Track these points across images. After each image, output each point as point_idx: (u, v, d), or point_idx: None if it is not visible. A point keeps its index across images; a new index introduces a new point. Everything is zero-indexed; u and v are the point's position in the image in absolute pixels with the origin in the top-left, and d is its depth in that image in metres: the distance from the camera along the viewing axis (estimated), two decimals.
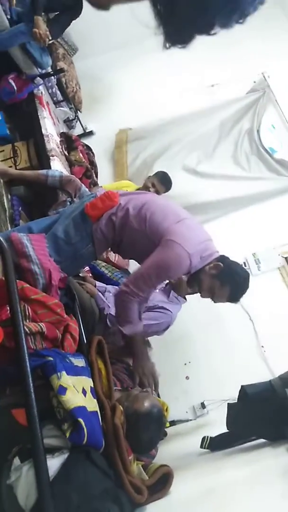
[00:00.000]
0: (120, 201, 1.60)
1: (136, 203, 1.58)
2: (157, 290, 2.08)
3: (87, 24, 2.88)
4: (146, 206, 1.56)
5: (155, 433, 1.27)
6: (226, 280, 1.57)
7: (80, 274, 2.13)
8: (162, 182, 2.80)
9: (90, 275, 2.31)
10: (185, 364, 2.76)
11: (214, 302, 1.67)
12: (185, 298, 2.43)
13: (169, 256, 1.48)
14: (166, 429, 1.78)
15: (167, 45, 0.40)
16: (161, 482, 1.24)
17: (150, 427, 1.24)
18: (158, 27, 0.39)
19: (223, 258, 1.60)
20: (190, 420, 2.58)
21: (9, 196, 2.48)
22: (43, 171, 2.38)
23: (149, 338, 2.47)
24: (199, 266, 1.54)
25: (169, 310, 2.19)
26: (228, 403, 1.62)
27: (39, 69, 2.76)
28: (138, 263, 1.69)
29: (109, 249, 1.73)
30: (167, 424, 2.14)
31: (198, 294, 2.39)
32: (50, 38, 2.48)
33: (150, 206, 1.57)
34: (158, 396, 2.16)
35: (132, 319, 1.54)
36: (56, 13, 2.69)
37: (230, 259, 1.65)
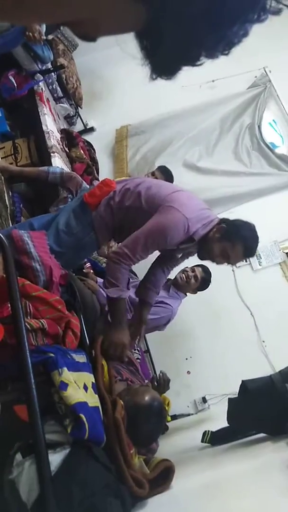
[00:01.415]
0: (116, 187, 1.63)
1: (131, 184, 1.61)
2: None
3: None
4: (142, 185, 1.59)
5: (155, 426, 1.28)
6: (235, 238, 1.53)
7: (83, 270, 2.14)
8: (163, 172, 2.77)
9: (92, 271, 2.31)
10: (187, 358, 2.78)
11: (232, 264, 1.62)
12: (186, 294, 2.44)
13: (167, 218, 1.46)
14: (167, 423, 1.78)
15: (153, 76, 0.40)
16: (163, 476, 1.24)
17: (150, 420, 1.24)
18: (143, 59, 0.38)
19: (224, 220, 1.58)
20: (191, 414, 2.60)
21: (10, 193, 2.48)
22: (44, 168, 2.38)
23: (151, 333, 2.48)
24: (201, 233, 1.51)
25: (170, 305, 2.20)
26: (228, 398, 1.63)
27: (39, 66, 2.75)
28: None
29: (112, 240, 1.73)
30: (168, 418, 2.16)
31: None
32: (44, 37, 2.46)
33: (145, 183, 1.60)
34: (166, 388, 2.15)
35: (120, 283, 1.49)
36: None
37: (230, 219, 1.62)
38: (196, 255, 1.70)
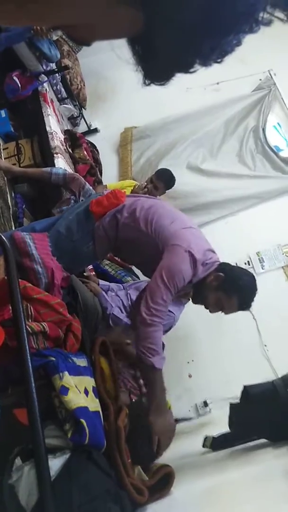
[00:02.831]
0: (126, 201, 1.57)
1: (143, 204, 1.55)
2: None
3: None
4: (154, 209, 1.52)
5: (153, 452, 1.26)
6: (231, 290, 1.47)
7: (84, 273, 2.13)
8: (160, 177, 2.71)
9: (93, 273, 2.31)
10: (188, 362, 2.76)
11: (225, 314, 1.56)
12: (189, 299, 2.43)
13: (180, 259, 1.39)
14: None
15: (146, 82, 0.40)
16: (162, 482, 1.24)
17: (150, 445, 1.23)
18: (136, 65, 0.39)
19: (223, 267, 1.51)
20: (193, 418, 2.58)
21: (13, 194, 2.48)
22: (47, 169, 2.38)
23: None
24: (201, 276, 1.46)
25: (172, 313, 2.19)
26: (230, 403, 1.62)
27: (44, 66, 2.75)
28: (138, 267, 1.64)
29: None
30: None
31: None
32: (52, 31, 2.46)
33: (158, 209, 1.53)
34: None
35: (160, 348, 1.35)
36: None
37: (231, 265, 1.57)
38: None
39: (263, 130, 3.35)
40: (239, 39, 0.37)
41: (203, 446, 1.70)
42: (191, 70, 0.38)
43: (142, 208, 1.52)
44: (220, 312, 1.56)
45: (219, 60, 0.38)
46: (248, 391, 1.51)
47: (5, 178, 2.38)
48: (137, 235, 1.50)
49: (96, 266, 2.42)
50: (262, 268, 2.97)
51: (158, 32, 0.35)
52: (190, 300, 2.37)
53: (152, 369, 1.34)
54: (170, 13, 0.33)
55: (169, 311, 2.18)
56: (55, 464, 0.95)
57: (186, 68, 0.38)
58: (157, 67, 0.39)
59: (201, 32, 0.34)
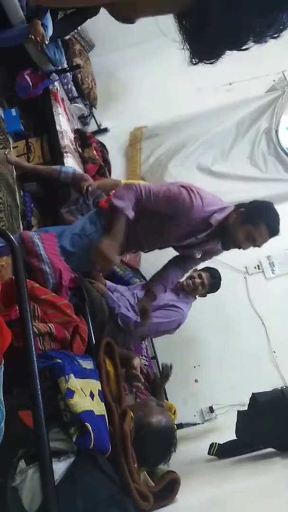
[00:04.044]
0: None
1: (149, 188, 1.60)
2: (167, 290, 2.03)
3: (104, 21, 2.84)
4: (159, 188, 1.57)
5: (162, 452, 1.24)
6: (257, 219, 1.53)
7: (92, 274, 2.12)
8: (213, 284, 2.35)
9: (101, 273, 2.29)
10: (195, 366, 2.73)
11: (259, 246, 1.60)
12: (195, 297, 2.39)
13: (182, 191, 1.49)
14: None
15: (194, 61, 0.38)
16: (168, 489, 1.21)
17: (160, 445, 1.21)
18: (183, 42, 0.37)
19: (240, 204, 1.59)
20: (198, 424, 2.55)
21: (22, 192, 2.48)
22: (57, 167, 2.37)
23: (160, 337, 2.45)
24: (219, 218, 1.51)
25: (181, 309, 2.16)
26: (238, 411, 1.59)
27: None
28: (153, 247, 1.70)
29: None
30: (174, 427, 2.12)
31: (208, 297, 2.36)
32: (47, 42, 2.44)
33: (163, 186, 1.59)
34: (166, 397, 2.12)
35: (126, 199, 1.48)
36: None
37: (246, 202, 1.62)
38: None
39: (276, 132, 3.30)
40: None
41: (209, 453, 1.67)
42: (244, 47, 0.36)
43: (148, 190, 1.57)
44: (253, 247, 1.60)
45: (276, 35, 0.35)
46: (256, 399, 1.48)
47: (14, 177, 2.38)
48: (149, 215, 1.55)
49: None
50: (273, 273, 2.92)
51: (211, 8, 0.33)
52: (197, 297, 2.35)
53: (119, 212, 1.46)
54: None
55: (178, 307, 2.16)
56: (59, 467, 0.94)
57: (239, 45, 0.36)
58: (207, 43, 0.36)
59: (259, 6, 0.32)
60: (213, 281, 2.33)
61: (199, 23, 0.34)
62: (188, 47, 0.36)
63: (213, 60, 0.38)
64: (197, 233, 1.56)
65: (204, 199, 1.51)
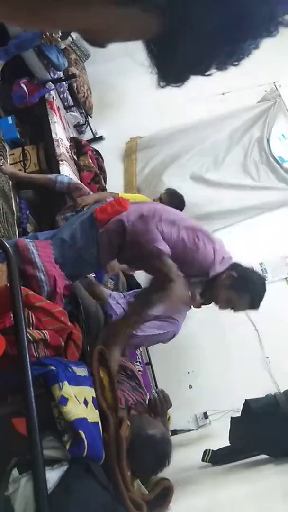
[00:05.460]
0: (130, 208, 1.59)
1: (149, 207, 1.59)
2: None
3: None
4: (160, 211, 1.56)
5: (157, 464, 1.24)
6: (243, 290, 1.54)
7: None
8: (171, 197, 2.56)
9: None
10: (189, 372, 2.73)
11: (234, 311, 1.62)
12: (190, 307, 2.40)
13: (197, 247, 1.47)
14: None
15: (161, 84, 0.40)
16: (161, 497, 1.21)
17: (154, 457, 1.20)
18: (152, 67, 0.39)
19: (235, 266, 1.58)
20: (192, 430, 2.55)
21: (18, 199, 2.49)
22: (52, 176, 2.38)
23: (153, 346, 2.44)
24: (217, 270, 1.51)
25: (176, 320, 2.16)
26: (231, 417, 1.60)
27: (51, 74, 2.78)
28: (147, 271, 1.65)
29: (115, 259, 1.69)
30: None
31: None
32: (59, 37, 2.49)
33: (164, 210, 1.58)
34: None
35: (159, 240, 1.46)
36: None
37: (243, 265, 1.62)
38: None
39: (268, 141, 3.36)
40: (257, 43, 0.37)
41: (203, 460, 1.67)
42: (207, 73, 0.38)
43: (148, 211, 1.56)
44: (229, 309, 1.61)
45: (236, 63, 0.37)
46: (249, 405, 1.48)
47: (10, 184, 2.39)
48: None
49: (100, 276, 2.40)
50: (265, 279, 2.95)
51: (178, 35, 0.34)
52: (192, 307, 2.35)
53: (159, 255, 1.42)
54: (195, 20, 0.33)
55: (174, 318, 2.15)
56: (52, 476, 0.93)
57: (203, 71, 0.38)
58: (173, 69, 0.38)
59: (223, 37, 0.34)
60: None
61: (167, 49, 0.36)
62: (155, 71, 0.38)
63: (180, 84, 0.40)
64: (191, 277, 1.52)
65: (216, 252, 1.50)
